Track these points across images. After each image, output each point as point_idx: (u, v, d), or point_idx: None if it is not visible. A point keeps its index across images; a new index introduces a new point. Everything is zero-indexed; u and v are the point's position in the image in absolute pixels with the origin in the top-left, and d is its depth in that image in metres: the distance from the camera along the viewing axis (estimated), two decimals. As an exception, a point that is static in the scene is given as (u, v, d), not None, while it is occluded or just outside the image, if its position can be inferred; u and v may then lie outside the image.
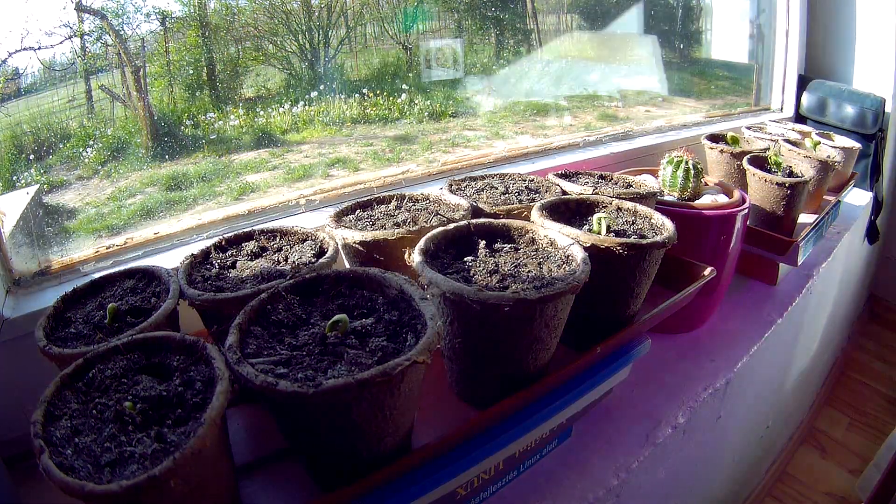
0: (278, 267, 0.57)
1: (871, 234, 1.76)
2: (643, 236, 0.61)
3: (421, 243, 0.54)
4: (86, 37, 0.90)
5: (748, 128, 1.37)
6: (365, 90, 1.41)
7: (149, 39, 1.00)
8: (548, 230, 0.59)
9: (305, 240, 0.64)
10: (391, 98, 1.44)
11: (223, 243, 0.63)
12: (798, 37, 1.84)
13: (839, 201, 1.38)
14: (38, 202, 0.88)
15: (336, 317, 0.42)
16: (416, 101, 1.47)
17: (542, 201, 0.67)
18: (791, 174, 1.06)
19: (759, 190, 1.04)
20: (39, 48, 0.82)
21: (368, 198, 0.74)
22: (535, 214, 0.63)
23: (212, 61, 1.12)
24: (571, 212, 0.68)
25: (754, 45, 1.99)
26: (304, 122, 1.30)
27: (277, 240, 0.65)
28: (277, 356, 0.41)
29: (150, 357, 0.42)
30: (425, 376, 0.48)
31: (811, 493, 1.52)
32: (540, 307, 0.47)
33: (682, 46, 2.06)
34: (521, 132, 1.56)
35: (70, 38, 0.86)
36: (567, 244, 0.56)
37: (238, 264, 0.59)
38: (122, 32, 0.93)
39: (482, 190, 0.78)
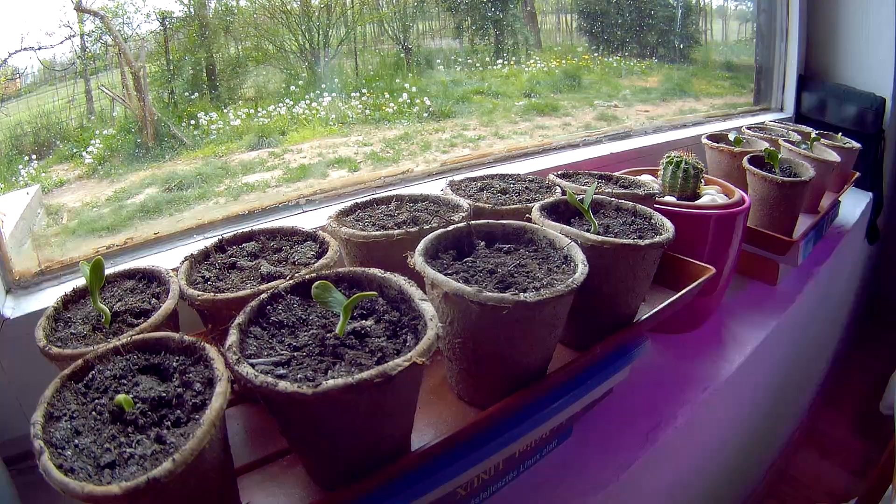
0: (278, 267, 0.57)
1: (871, 234, 1.76)
2: (642, 236, 0.61)
3: (421, 244, 0.54)
4: (86, 37, 0.90)
5: (748, 128, 1.37)
6: (364, 90, 1.41)
7: (149, 39, 1.00)
8: (547, 230, 0.59)
9: (305, 240, 0.64)
10: (391, 98, 1.44)
11: (223, 243, 0.63)
12: (798, 37, 1.84)
13: (839, 201, 1.38)
14: (38, 202, 0.88)
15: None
16: (416, 101, 1.47)
17: (542, 201, 0.67)
18: (791, 174, 1.06)
19: (759, 190, 1.04)
20: (39, 48, 0.82)
21: (368, 198, 0.73)
22: (535, 214, 0.63)
23: (211, 61, 1.12)
24: (571, 212, 0.68)
25: (754, 45, 1.99)
26: (304, 122, 1.30)
27: (277, 240, 0.65)
28: (277, 356, 0.41)
29: (150, 358, 0.42)
30: (425, 376, 0.48)
31: (811, 493, 1.52)
32: (539, 309, 0.47)
33: (681, 46, 2.06)
34: (520, 132, 1.56)
35: (70, 38, 0.86)
36: (566, 244, 0.56)
37: (238, 264, 0.59)
38: (121, 32, 0.93)
39: (482, 189, 0.78)
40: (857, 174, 1.41)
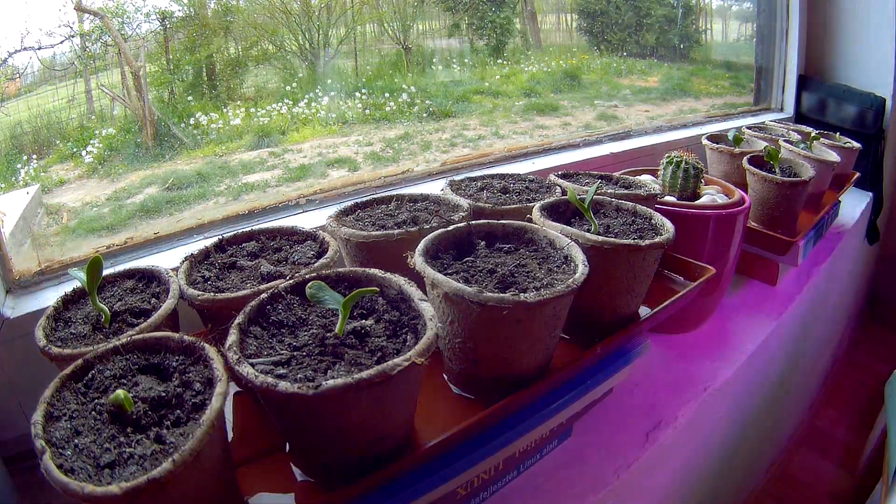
0: (278, 267, 0.57)
1: (871, 234, 1.76)
2: (643, 236, 0.61)
3: (422, 244, 0.54)
4: (85, 37, 0.90)
5: (748, 128, 1.37)
6: (364, 90, 1.41)
7: (149, 39, 1.00)
8: (547, 230, 0.59)
9: (305, 240, 0.64)
10: (391, 97, 1.44)
11: (223, 243, 0.63)
12: (798, 37, 1.84)
13: (839, 201, 1.38)
14: (38, 202, 0.88)
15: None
16: (416, 101, 1.47)
17: (542, 201, 0.67)
18: (791, 174, 1.06)
19: (759, 190, 1.04)
20: (39, 48, 0.82)
21: (369, 198, 0.73)
22: (535, 214, 0.63)
23: (211, 61, 1.12)
24: (571, 212, 0.68)
25: (754, 45, 1.99)
26: (304, 122, 1.30)
27: (277, 240, 0.65)
28: (277, 356, 0.41)
29: (150, 358, 0.41)
30: (425, 376, 0.48)
31: (811, 493, 1.52)
32: (539, 309, 0.47)
33: (681, 46, 2.06)
34: (520, 132, 1.56)
35: (70, 37, 0.86)
36: (566, 244, 0.56)
37: (238, 264, 0.59)
38: (121, 32, 0.92)
39: (482, 189, 0.78)
40: (857, 174, 1.41)
